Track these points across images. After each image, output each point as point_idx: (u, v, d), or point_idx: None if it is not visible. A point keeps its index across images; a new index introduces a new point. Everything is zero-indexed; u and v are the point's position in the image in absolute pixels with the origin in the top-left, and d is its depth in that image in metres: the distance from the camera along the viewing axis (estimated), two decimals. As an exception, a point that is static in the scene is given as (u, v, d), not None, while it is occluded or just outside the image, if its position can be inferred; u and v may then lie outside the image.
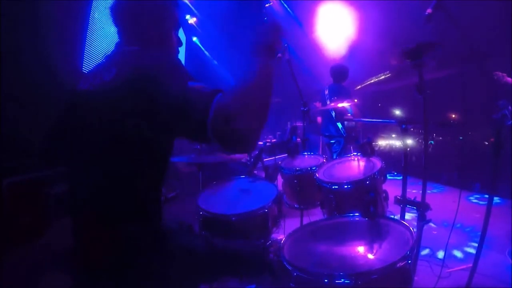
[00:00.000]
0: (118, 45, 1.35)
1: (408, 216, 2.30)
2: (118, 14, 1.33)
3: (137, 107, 1.08)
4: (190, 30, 8.24)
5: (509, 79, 3.67)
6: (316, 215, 2.52)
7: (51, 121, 1.35)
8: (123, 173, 1.14)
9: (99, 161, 1.14)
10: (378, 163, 2.19)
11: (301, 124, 3.33)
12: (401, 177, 2.17)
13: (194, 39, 8.61)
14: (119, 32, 1.35)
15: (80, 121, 1.21)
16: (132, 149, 1.12)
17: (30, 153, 2.26)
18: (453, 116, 5.74)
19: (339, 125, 4.61)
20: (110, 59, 1.31)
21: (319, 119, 5.44)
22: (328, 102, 4.53)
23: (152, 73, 1.08)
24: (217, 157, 4.83)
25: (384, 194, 2.11)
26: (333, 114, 4.58)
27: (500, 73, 3.52)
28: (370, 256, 1.37)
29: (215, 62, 8.92)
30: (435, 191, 5.46)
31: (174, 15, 1.41)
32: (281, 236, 1.89)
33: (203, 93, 1.01)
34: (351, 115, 4.15)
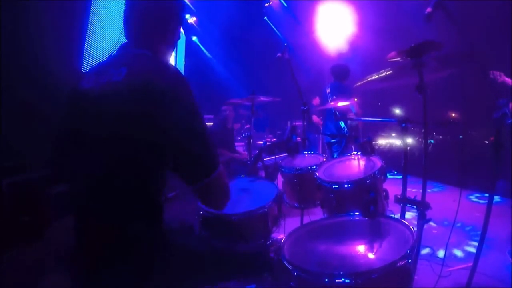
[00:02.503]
0: (125, 46, 1.35)
1: (408, 215, 2.30)
2: (134, 16, 1.34)
3: (149, 116, 1.10)
4: (190, 30, 8.25)
5: (506, 78, 3.66)
6: (316, 214, 2.52)
7: (58, 122, 1.34)
8: (128, 174, 1.14)
9: (104, 161, 1.14)
10: (378, 162, 2.19)
11: (301, 124, 3.33)
12: (401, 176, 2.17)
13: (194, 38, 8.62)
14: (129, 34, 1.36)
15: (87, 120, 1.20)
16: (138, 149, 1.12)
17: (30, 153, 2.26)
18: (453, 115, 5.74)
19: (342, 124, 4.60)
20: (116, 59, 1.31)
21: (314, 117, 5.43)
22: (329, 101, 4.52)
23: (175, 96, 1.13)
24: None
25: (384, 193, 2.11)
26: (335, 112, 4.57)
27: (497, 72, 3.49)
28: (370, 255, 1.37)
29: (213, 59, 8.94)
30: (435, 190, 5.47)
31: (180, 27, 1.44)
32: (281, 236, 1.89)
33: (215, 151, 1.24)
34: (353, 113, 4.15)
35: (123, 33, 1.37)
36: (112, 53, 1.37)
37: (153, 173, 1.18)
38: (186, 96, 1.16)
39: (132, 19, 1.34)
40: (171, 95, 1.12)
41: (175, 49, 1.51)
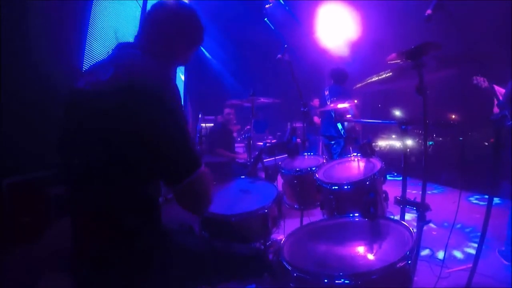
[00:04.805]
0: (121, 46, 1.35)
1: (408, 216, 2.30)
2: (151, 20, 1.38)
3: (130, 115, 1.10)
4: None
5: (489, 84, 3.62)
6: (316, 215, 2.52)
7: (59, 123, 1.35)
8: (117, 174, 1.14)
9: (94, 160, 1.14)
10: (378, 164, 2.19)
11: (301, 125, 3.33)
12: (401, 178, 2.17)
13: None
14: (138, 35, 1.39)
15: (79, 119, 1.21)
16: (124, 149, 1.12)
17: (30, 153, 2.26)
18: (453, 116, 5.75)
19: (339, 125, 4.61)
20: (108, 59, 1.32)
21: (316, 119, 5.45)
22: (328, 103, 4.54)
23: (156, 95, 1.13)
24: (218, 157, 4.85)
25: (384, 195, 2.11)
26: (333, 114, 4.59)
27: (481, 78, 3.44)
28: (370, 256, 1.37)
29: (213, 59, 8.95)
30: (435, 191, 5.47)
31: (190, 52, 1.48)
32: (281, 237, 1.89)
33: (196, 151, 1.22)
34: (351, 115, 4.16)
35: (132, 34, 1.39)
36: (109, 52, 1.38)
37: (141, 172, 1.17)
38: (168, 97, 1.15)
39: (148, 23, 1.37)
40: (152, 95, 1.12)
41: (179, 65, 1.53)
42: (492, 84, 3.38)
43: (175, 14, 1.38)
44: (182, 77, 7.09)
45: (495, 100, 3.22)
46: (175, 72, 1.65)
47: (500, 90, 3.38)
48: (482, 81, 3.41)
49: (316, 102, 6.47)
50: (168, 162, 1.17)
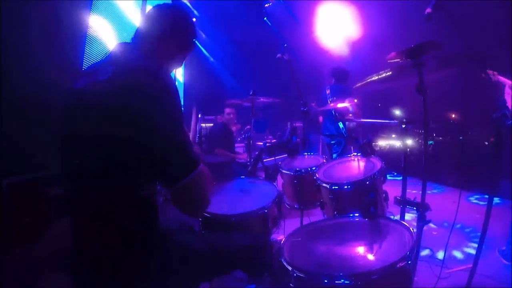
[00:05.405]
0: (120, 46, 1.35)
1: (408, 216, 2.30)
2: (146, 22, 1.40)
3: (129, 115, 1.10)
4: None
5: (501, 77, 3.66)
6: (316, 215, 2.52)
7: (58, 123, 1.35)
8: (114, 173, 1.14)
9: (92, 160, 1.14)
10: (378, 164, 2.19)
11: (301, 124, 3.33)
12: (401, 178, 2.17)
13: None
14: (134, 36, 1.40)
15: (77, 119, 1.21)
16: (122, 149, 1.12)
17: (30, 153, 2.26)
18: (453, 116, 5.75)
19: (340, 125, 4.61)
20: (108, 59, 1.32)
21: (320, 118, 5.46)
22: (329, 102, 4.53)
23: (155, 95, 1.13)
24: (218, 157, 4.85)
25: (384, 195, 2.12)
26: (335, 114, 4.58)
27: (491, 72, 3.48)
28: (370, 256, 1.37)
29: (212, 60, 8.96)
30: (435, 191, 5.46)
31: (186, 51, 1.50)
32: (281, 237, 1.89)
33: (193, 152, 1.21)
34: (352, 114, 4.15)
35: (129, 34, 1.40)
36: (107, 52, 1.38)
37: (140, 172, 1.17)
38: (166, 98, 1.15)
39: (145, 25, 1.39)
40: (150, 96, 1.12)
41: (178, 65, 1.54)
42: (500, 75, 3.44)
43: (171, 16, 1.39)
44: (181, 79, 7.08)
45: (506, 89, 3.28)
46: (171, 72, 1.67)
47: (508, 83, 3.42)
48: (491, 74, 3.46)
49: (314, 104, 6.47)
50: (165, 163, 1.16)
